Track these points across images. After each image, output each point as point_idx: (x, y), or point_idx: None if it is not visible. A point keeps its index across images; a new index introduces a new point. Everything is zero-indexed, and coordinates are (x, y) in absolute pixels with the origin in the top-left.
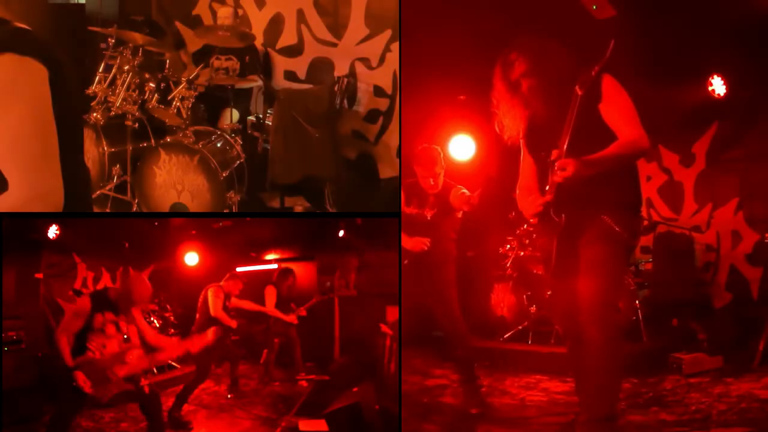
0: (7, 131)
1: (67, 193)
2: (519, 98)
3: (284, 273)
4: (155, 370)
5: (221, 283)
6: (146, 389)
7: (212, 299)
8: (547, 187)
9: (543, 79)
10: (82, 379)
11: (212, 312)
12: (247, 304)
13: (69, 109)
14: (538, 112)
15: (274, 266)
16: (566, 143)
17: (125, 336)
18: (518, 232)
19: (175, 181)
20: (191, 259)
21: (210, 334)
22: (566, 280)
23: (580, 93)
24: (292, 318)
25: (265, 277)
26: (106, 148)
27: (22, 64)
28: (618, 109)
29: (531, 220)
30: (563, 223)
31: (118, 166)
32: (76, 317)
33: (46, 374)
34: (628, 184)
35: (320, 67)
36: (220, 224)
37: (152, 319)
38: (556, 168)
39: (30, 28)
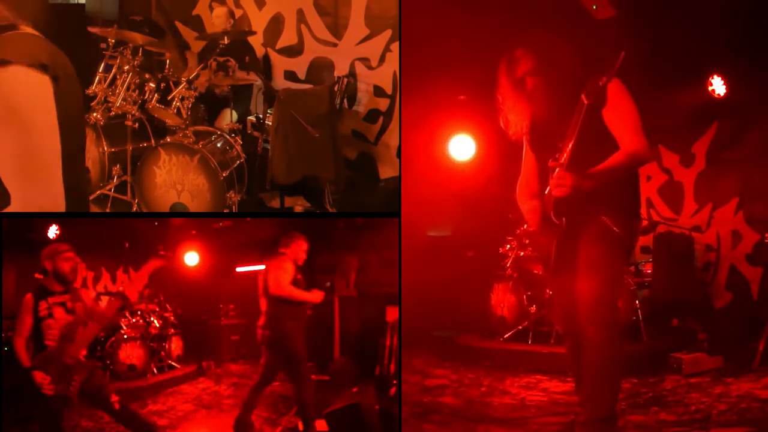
0: (11, 145)
1: (67, 199)
2: (524, 94)
3: None
4: (155, 370)
5: (284, 251)
6: (116, 405)
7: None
8: (546, 192)
9: (548, 78)
10: (40, 377)
11: (272, 290)
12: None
13: (73, 117)
14: (542, 110)
15: None
16: (569, 150)
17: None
18: (518, 232)
19: (175, 181)
20: (191, 259)
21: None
22: (565, 280)
23: (586, 102)
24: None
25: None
26: (106, 148)
27: (27, 78)
28: (621, 116)
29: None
30: (564, 226)
31: (118, 166)
32: (24, 317)
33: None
34: (627, 186)
35: (320, 67)
36: (220, 224)
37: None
38: (554, 181)
39: (37, 33)
